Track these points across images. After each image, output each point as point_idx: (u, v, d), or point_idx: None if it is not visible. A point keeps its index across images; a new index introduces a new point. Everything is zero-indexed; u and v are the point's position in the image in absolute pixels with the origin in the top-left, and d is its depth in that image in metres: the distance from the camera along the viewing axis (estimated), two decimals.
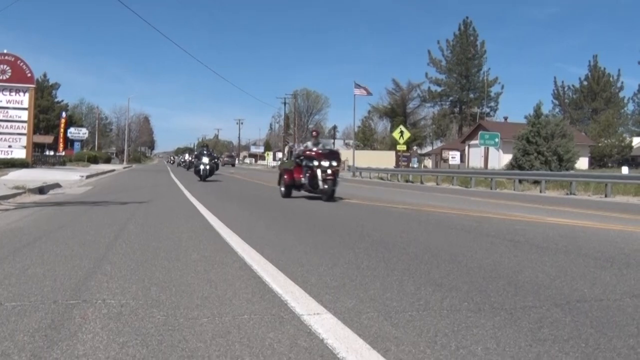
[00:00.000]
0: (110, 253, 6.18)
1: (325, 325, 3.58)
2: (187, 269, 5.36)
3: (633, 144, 77.32)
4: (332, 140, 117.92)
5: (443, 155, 68.78)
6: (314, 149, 16.80)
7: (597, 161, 71.08)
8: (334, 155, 16.74)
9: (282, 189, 17.40)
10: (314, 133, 18.34)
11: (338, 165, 16.43)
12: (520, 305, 4.24)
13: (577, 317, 3.93)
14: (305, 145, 18.30)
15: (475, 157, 62.66)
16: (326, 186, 15.72)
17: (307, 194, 16.92)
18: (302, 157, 16.88)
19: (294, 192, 17.18)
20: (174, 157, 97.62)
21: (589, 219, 12.13)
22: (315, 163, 15.98)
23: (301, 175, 16.55)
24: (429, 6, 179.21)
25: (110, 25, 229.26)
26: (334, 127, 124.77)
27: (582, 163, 56.24)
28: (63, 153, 64.85)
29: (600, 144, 71.83)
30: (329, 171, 15.87)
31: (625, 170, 37.04)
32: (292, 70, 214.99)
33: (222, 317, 3.75)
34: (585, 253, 7.00)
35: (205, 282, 4.79)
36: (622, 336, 3.51)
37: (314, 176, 15.93)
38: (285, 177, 17.20)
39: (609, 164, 69.47)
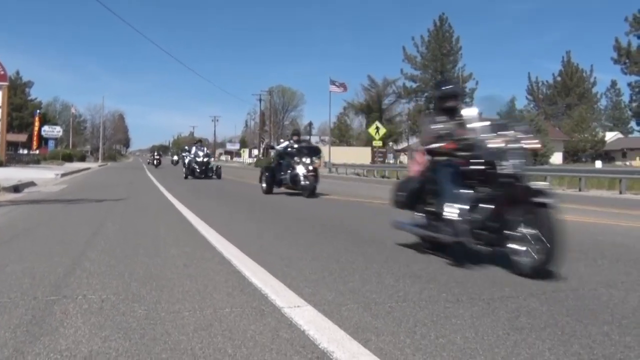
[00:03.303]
0: (89, 250, 6.16)
1: (305, 317, 3.62)
2: (167, 265, 5.37)
3: (606, 138, 78.39)
4: (308, 137, 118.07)
5: None
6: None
7: (571, 156, 71.91)
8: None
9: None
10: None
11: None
12: (497, 295, 4.31)
13: (553, 306, 4.01)
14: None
15: None
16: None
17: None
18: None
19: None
20: (157, 155, 60.42)
21: (564, 212, 12.26)
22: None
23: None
24: (405, 2, 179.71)
25: (85, 22, 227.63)
26: (310, 124, 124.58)
27: (557, 158, 56.88)
28: (37, 151, 64.22)
29: (574, 139, 72.66)
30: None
31: (598, 164, 37.59)
32: (267, 67, 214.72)
33: (204, 310, 3.77)
34: None
35: (186, 277, 4.80)
36: (596, 323, 3.59)
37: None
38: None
39: (583, 159, 70.33)
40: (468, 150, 5.95)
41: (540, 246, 5.02)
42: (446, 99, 6.69)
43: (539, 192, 5.34)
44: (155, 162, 56.41)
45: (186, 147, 61.44)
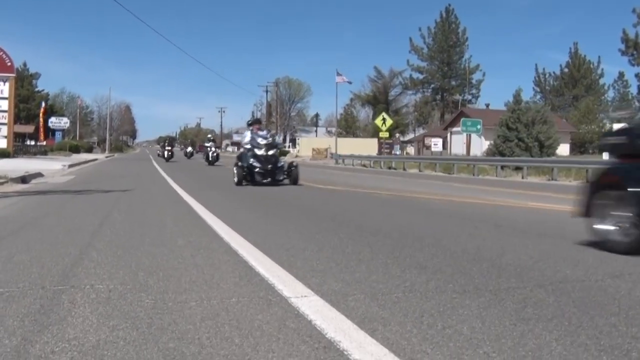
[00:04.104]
0: (96, 240, 6.18)
1: (312, 307, 3.62)
2: (174, 254, 5.38)
3: (613, 130, 77.96)
4: (315, 128, 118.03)
5: (425, 142, 68.93)
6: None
7: (578, 147, 71.62)
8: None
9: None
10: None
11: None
12: (504, 286, 4.30)
13: (560, 297, 4.00)
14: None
15: (457, 144, 62.89)
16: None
17: None
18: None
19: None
20: (169, 147, 45.69)
21: (571, 203, 12.23)
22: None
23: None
24: None
25: (90, 13, 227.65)
26: (317, 115, 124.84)
27: (563, 149, 56.60)
28: (44, 143, 64.35)
29: (580, 131, 72.37)
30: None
31: (605, 156, 37.39)
32: (274, 57, 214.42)
33: (211, 300, 3.78)
34: (567, 236, 7.10)
35: (192, 267, 4.81)
36: (603, 315, 3.58)
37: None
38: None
39: (590, 150, 70.03)
40: None
41: None
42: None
43: None
44: (166, 154, 44.44)
45: (210, 136, 44.10)
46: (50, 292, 3.93)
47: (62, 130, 73.70)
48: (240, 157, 17.47)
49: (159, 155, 53.14)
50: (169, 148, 44.59)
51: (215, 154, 37.40)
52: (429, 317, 3.47)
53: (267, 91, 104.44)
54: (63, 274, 4.47)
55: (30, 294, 3.86)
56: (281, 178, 16.82)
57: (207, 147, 38.65)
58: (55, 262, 4.92)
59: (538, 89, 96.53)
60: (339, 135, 73.33)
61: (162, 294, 3.92)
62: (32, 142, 68.56)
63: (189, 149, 57.43)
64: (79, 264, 4.87)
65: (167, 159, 42.71)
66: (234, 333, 3.12)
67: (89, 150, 73.96)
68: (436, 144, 64.00)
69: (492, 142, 40.50)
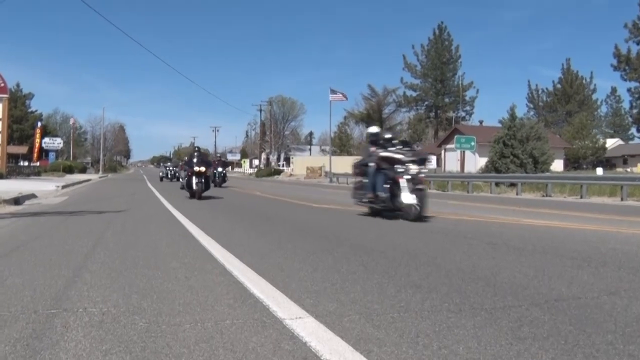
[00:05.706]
0: (90, 262, 6.14)
1: (307, 328, 3.60)
2: (168, 277, 5.35)
3: (607, 145, 78.38)
4: (309, 147, 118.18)
5: None
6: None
7: (572, 163, 71.92)
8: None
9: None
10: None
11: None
12: (499, 305, 4.29)
13: (556, 315, 3.99)
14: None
15: (451, 161, 63.05)
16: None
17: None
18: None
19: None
20: (200, 166, 19.30)
21: (565, 219, 12.25)
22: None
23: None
24: (404, 10, 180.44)
25: (84, 34, 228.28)
26: (310, 134, 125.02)
27: (558, 165, 56.79)
28: (38, 163, 64.32)
29: (574, 146, 72.68)
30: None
31: (599, 171, 37.59)
32: (267, 76, 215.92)
33: (205, 322, 3.75)
34: (562, 253, 7.08)
35: (186, 289, 4.78)
36: (600, 332, 3.57)
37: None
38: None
39: (584, 166, 70.36)
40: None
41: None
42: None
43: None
44: (194, 184, 19.56)
45: (380, 133, 13.90)
46: (42, 316, 3.90)
47: (56, 151, 73.73)
48: None
49: (163, 178, 40.90)
50: (201, 169, 19.85)
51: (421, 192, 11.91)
52: (424, 337, 3.45)
53: (260, 110, 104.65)
54: (56, 297, 4.44)
55: (23, 318, 3.83)
56: None
57: (376, 165, 12.81)
58: (48, 285, 4.88)
59: (531, 105, 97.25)
60: (333, 153, 73.46)
61: (156, 316, 3.89)
62: (26, 163, 68.53)
63: (220, 169, 35.30)
64: (72, 287, 4.84)
65: (197, 194, 19.61)
66: (228, 356, 3.09)
67: (83, 170, 73.85)
68: (430, 161, 64.16)
69: (488, 158, 40.60)
